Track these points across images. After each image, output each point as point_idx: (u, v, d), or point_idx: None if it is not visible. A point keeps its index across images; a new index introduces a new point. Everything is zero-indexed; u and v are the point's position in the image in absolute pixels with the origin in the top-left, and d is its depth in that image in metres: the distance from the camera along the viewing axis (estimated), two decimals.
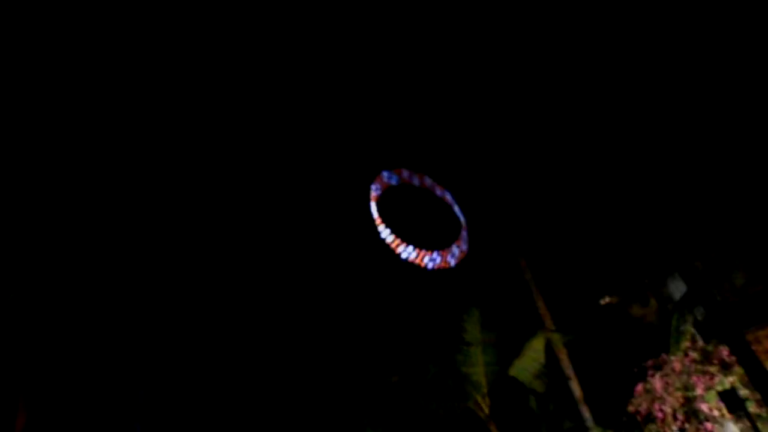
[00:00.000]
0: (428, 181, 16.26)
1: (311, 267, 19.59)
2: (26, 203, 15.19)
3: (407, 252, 15.50)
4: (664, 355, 12.62)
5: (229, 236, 18.95)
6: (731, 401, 11.41)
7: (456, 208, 15.93)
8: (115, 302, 17.63)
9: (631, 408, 12.69)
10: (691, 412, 11.66)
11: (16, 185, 14.90)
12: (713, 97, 12.69)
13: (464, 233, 15.78)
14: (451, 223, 16.70)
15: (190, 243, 18.73)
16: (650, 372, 12.54)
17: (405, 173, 16.56)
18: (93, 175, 15.88)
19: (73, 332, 16.83)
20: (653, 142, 13.58)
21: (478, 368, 16.10)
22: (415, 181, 16.32)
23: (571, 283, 15.67)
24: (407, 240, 15.93)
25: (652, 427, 12.23)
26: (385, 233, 15.53)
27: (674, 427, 11.89)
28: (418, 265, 15.82)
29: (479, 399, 16.01)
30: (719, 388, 11.50)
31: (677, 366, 12.14)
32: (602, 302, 14.79)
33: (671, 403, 11.89)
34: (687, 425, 11.69)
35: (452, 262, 15.56)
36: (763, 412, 10.76)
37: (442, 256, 15.74)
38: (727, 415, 11.41)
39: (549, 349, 14.78)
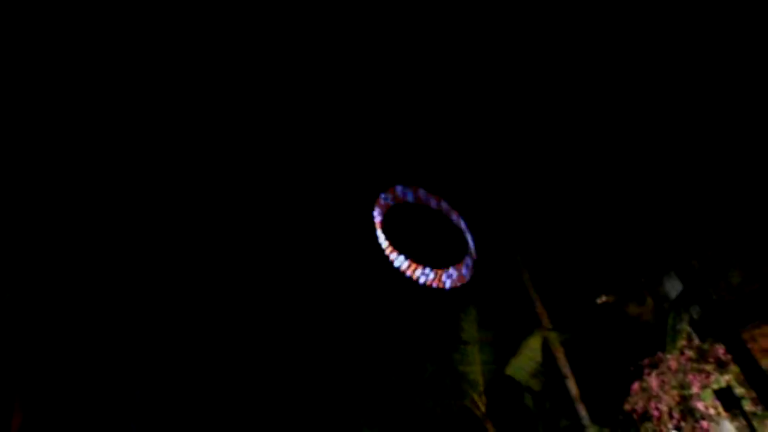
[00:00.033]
0: (444, 205, 16.12)
1: (308, 267, 19.57)
2: (22, 202, 15.13)
3: (399, 261, 15.45)
4: (660, 354, 12.64)
5: (226, 234, 18.91)
6: (727, 399, 11.44)
7: (468, 236, 15.75)
8: (111, 303, 17.57)
9: (627, 406, 12.72)
10: (687, 410, 11.70)
11: (15, 185, 14.86)
12: (709, 99, 12.71)
13: (468, 260, 15.64)
14: (458, 248, 16.57)
15: (188, 245, 18.69)
16: (646, 370, 12.57)
17: (421, 192, 16.45)
18: (90, 175, 15.83)
19: (69, 332, 16.77)
20: (650, 142, 13.60)
21: (475, 367, 16.14)
22: (432, 203, 16.17)
23: (568, 282, 15.69)
24: (402, 250, 15.85)
25: (649, 425, 12.26)
26: (381, 238, 15.49)
27: (670, 426, 11.93)
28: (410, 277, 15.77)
29: (476, 397, 16.06)
30: (715, 386, 11.54)
31: (673, 364, 12.17)
32: (599, 301, 14.81)
33: (667, 401, 11.92)
34: (683, 423, 11.73)
35: (447, 283, 15.46)
36: (758, 410, 10.80)
37: (436, 274, 15.66)
38: (723, 414, 11.45)
39: (546, 347, 14.81)
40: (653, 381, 12.27)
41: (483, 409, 15.94)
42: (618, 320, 14.35)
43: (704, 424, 11.40)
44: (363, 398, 18.24)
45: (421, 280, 15.44)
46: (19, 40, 13.11)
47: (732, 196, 12.24)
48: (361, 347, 18.90)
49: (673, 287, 13.12)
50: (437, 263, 16.18)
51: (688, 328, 12.60)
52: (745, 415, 11.20)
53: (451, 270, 15.55)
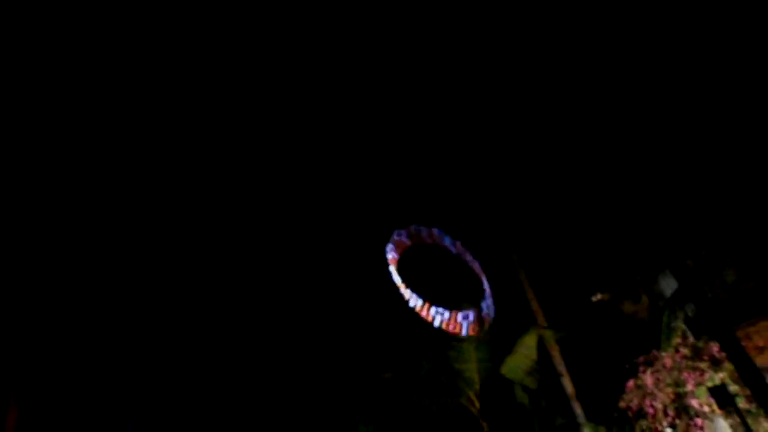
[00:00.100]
0: (460, 247, 15.99)
1: (305, 266, 19.55)
2: (18, 200, 15.09)
3: (413, 300, 15.30)
4: (655, 352, 12.68)
5: (220, 229, 18.87)
6: (721, 397, 11.49)
7: (484, 279, 15.58)
8: (108, 301, 17.53)
9: (622, 404, 12.74)
10: (681, 407, 11.73)
11: (12, 184, 14.82)
12: (703, 97, 12.74)
13: (485, 305, 15.44)
14: (473, 290, 16.39)
15: (185, 245, 18.66)
16: (641, 368, 12.60)
17: (436, 231, 16.33)
18: (88, 175, 15.78)
19: (66, 330, 16.73)
20: (645, 141, 13.63)
21: (470, 365, 16.16)
22: (451, 248, 16.00)
23: (563, 280, 15.71)
24: (415, 289, 15.68)
25: (643, 422, 12.30)
26: (394, 275, 15.35)
27: (665, 423, 11.96)
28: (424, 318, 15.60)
29: (471, 395, 16.07)
30: (709, 384, 11.58)
31: (668, 362, 12.21)
32: (594, 299, 14.83)
33: (662, 398, 11.96)
34: (677, 421, 11.77)
35: (464, 326, 15.26)
36: (752, 407, 10.85)
37: (451, 315, 15.45)
38: (718, 411, 11.50)
39: (541, 345, 14.83)
40: (648, 379, 12.30)
41: (478, 406, 15.96)
42: (613, 318, 14.37)
43: (699, 421, 11.44)
44: (358, 395, 18.24)
45: (436, 323, 15.25)
46: (19, 40, 13.07)
47: (727, 195, 12.28)
48: (357, 345, 18.90)
49: (668, 285, 13.15)
50: (451, 304, 15.96)
51: (683, 326, 12.64)
52: (740, 413, 11.25)
53: (469, 313, 15.36)
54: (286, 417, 19.10)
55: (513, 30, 14.55)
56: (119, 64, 14.57)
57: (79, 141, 15.43)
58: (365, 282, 18.75)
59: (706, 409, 11.45)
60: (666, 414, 11.89)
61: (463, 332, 14.99)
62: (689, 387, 11.62)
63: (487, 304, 15.21)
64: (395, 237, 16.27)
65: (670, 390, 11.93)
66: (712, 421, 11.53)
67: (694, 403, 11.51)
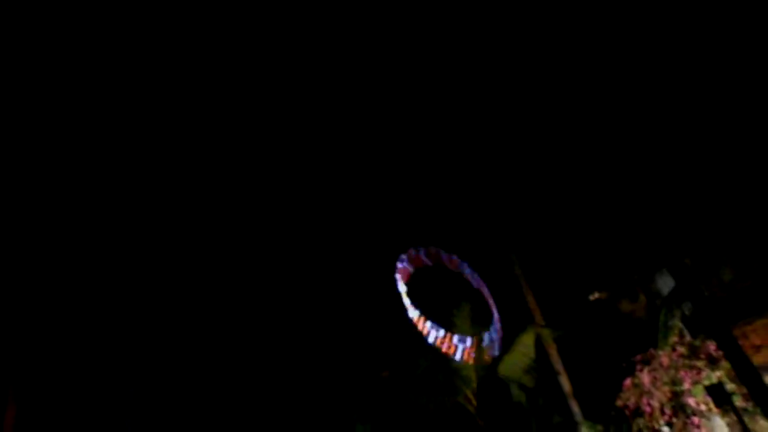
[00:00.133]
0: (478, 279, 15.88)
1: (301, 264, 19.54)
2: (14, 200, 15.05)
3: (412, 311, 15.24)
4: (652, 350, 12.70)
5: (218, 226, 18.85)
6: (718, 395, 11.52)
7: (495, 312, 15.49)
8: (106, 299, 17.50)
9: (619, 402, 12.76)
10: (678, 406, 11.76)
11: (12, 184, 14.79)
12: (700, 98, 12.76)
13: (486, 338, 15.31)
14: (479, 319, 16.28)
15: (184, 244, 18.64)
16: (638, 367, 12.62)
17: (457, 259, 16.25)
18: (78, 172, 15.74)
19: (64, 327, 16.70)
20: (643, 141, 13.65)
21: (467, 363, 16.17)
22: (470, 277, 15.90)
23: (561, 279, 15.74)
24: (419, 306, 15.61)
25: (641, 421, 12.32)
26: (401, 286, 15.27)
27: (662, 421, 11.99)
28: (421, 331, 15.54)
29: (469, 393, 16.08)
30: (706, 382, 11.61)
31: (665, 361, 12.23)
32: (591, 298, 14.85)
33: (659, 397, 11.98)
34: (674, 419, 11.79)
35: (459, 348, 15.17)
36: (749, 406, 10.88)
37: (446, 336, 15.37)
38: (714, 409, 11.52)
39: (539, 344, 14.85)
40: (645, 377, 12.32)
41: (476, 404, 15.97)
42: (611, 317, 14.40)
43: (695, 420, 11.47)
44: (356, 394, 18.24)
45: (430, 339, 15.21)
46: (19, 40, 13.04)
47: (724, 195, 12.30)
48: (355, 343, 18.90)
49: (666, 284, 13.18)
50: (449, 325, 15.87)
51: (680, 325, 12.66)
52: (736, 411, 11.28)
53: (467, 338, 15.29)
54: (284, 415, 19.09)
55: (508, 31, 14.56)
56: (119, 64, 14.54)
57: (79, 141, 15.41)
58: (367, 284, 18.76)
59: (702, 407, 11.48)
60: (663, 412, 11.92)
61: (457, 356, 14.93)
62: (686, 385, 11.65)
63: (491, 337, 15.15)
64: (412, 252, 16.21)
65: (667, 388, 11.95)
66: (708, 419, 11.56)
67: (691, 401, 11.54)
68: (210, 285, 19.20)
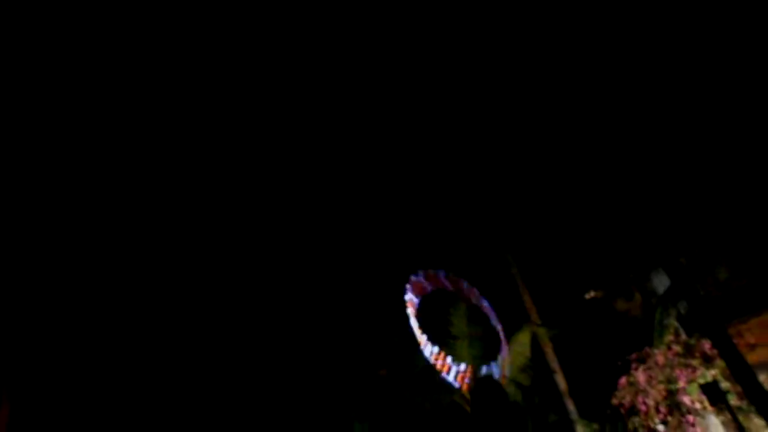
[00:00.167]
0: (496, 319, 15.76)
1: (298, 262, 19.53)
2: (12, 198, 15.02)
3: (428, 349, 15.09)
4: (647, 349, 12.75)
5: (213, 225, 18.82)
6: (713, 394, 11.58)
7: (503, 348, 15.33)
8: (101, 296, 17.45)
9: (615, 401, 12.82)
10: (673, 404, 11.82)
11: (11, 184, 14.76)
12: (694, 95, 12.78)
13: (484, 369, 15.16)
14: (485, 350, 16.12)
15: (182, 244, 18.62)
16: (634, 365, 12.67)
17: (478, 294, 16.11)
18: (74, 172, 15.69)
19: (59, 325, 16.66)
20: (638, 138, 13.66)
21: (464, 362, 16.17)
22: (489, 314, 15.75)
23: (557, 278, 15.77)
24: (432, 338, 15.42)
25: (636, 419, 12.37)
26: (413, 320, 15.14)
27: (657, 420, 12.05)
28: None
29: (465, 392, 16.09)
30: (701, 380, 11.67)
31: (660, 359, 12.29)
32: (587, 296, 14.90)
33: (654, 395, 12.04)
34: (669, 417, 11.85)
35: (453, 369, 15.00)
36: (743, 404, 10.93)
37: (441, 356, 15.21)
38: (709, 408, 11.58)
39: (535, 343, 14.89)
40: (640, 376, 12.38)
41: (470, 402, 15.99)
42: (606, 315, 14.44)
43: (690, 418, 11.52)
44: (353, 393, 18.26)
45: (426, 351, 15.07)
46: (19, 40, 12.99)
47: (720, 194, 12.34)
48: (352, 341, 18.91)
49: (661, 283, 13.22)
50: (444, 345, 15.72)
51: (676, 324, 12.71)
52: (731, 410, 11.34)
53: (462, 363, 15.14)
54: (281, 414, 19.10)
55: (500, 26, 14.53)
56: (119, 64, 14.49)
57: (79, 141, 15.36)
58: (364, 282, 18.76)
59: (697, 405, 11.54)
60: (658, 411, 11.97)
61: (450, 377, 14.83)
62: (681, 384, 11.71)
63: (490, 369, 15.07)
64: (431, 272, 16.07)
65: (662, 387, 12.01)
66: (703, 417, 11.63)
67: (686, 400, 11.59)
68: (205, 283, 19.17)
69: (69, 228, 16.31)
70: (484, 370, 15.03)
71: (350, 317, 19.23)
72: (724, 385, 11.40)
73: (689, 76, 12.84)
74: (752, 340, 11.32)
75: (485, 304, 15.56)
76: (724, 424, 11.51)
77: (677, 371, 11.84)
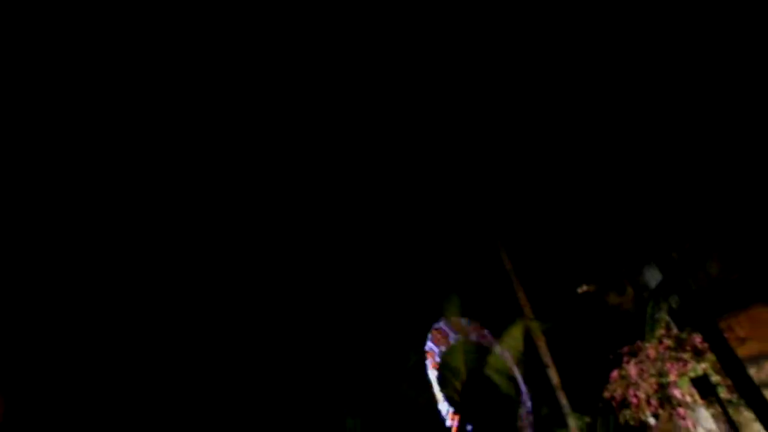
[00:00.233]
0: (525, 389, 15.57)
1: (292, 257, 19.48)
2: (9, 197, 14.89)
3: (443, 407, 14.94)
4: (639, 343, 12.83)
5: (208, 221, 18.72)
6: (703, 387, 11.67)
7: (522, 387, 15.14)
8: (96, 294, 17.35)
9: (606, 394, 12.91)
10: (664, 397, 11.91)
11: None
12: (686, 90, 12.79)
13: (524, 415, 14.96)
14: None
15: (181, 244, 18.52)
16: (625, 359, 12.76)
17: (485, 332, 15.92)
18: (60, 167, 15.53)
19: (53, 322, 16.55)
20: (630, 134, 13.68)
21: (457, 356, 16.25)
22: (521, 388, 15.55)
23: (550, 272, 15.82)
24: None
25: (627, 412, 12.47)
26: (431, 374, 14.98)
27: (648, 413, 12.14)
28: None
29: (458, 386, 16.17)
30: (692, 374, 11.75)
31: (652, 353, 12.37)
32: (580, 291, 14.95)
33: (645, 389, 12.12)
34: (660, 411, 11.95)
35: (446, 406, 14.86)
36: (733, 397, 11.03)
37: (457, 416, 15.08)
38: (699, 401, 11.68)
39: (528, 337, 14.95)
40: (632, 369, 12.46)
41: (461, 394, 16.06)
42: (599, 309, 14.51)
43: (681, 411, 11.62)
44: (346, 388, 18.29)
45: (431, 375, 14.97)
46: (19, 40, 12.82)
47: (712, 189, 12.39)
48: (345, 337, 18.91)
49: (653, 277, 13.29)
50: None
51: (667, 318, 12.79)
52: (721, 403, 11.44)
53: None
54: (275, 409, 19.10)
55: (496, 25, 14.48)
56: (119, 64, 14.34)
57: (79, 141, 15.22)
58: (359, 279, 18.73)
59: (688, 399, 11.63)
60: (649, 404, 12.06)
61: (443, 410, 14.75)
62: (672, 377, 11.79)
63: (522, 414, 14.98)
64: (462, 322, 15.88)
65: (653, 380, 12.09)
66: (694, 411, 11.73)
67: (677, 393, 11.68)
68: (201, 280, 19.08)
69: (65, 225, 16.18)
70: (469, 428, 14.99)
71: (344, 314, 19.23)
72: (715, 378, 11.49)
73: (679, 72, 12.84)
74: (742, 334, 11.40)
75: (506, 355, 15.44)
76: (714, 417, 11.62)
77: (668, 365, 11.92)
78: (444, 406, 14.84)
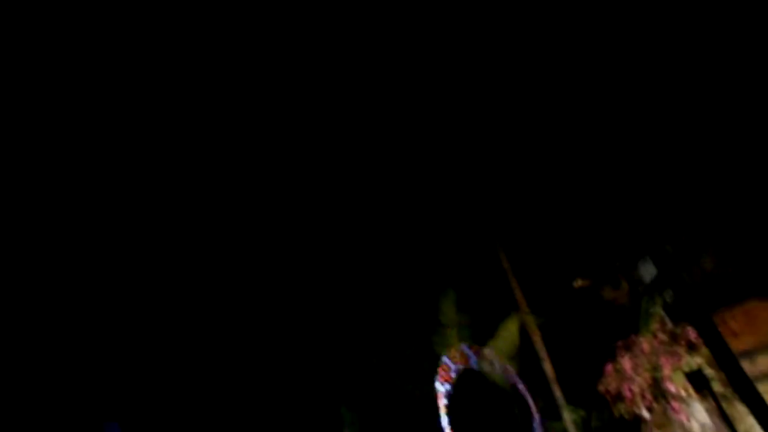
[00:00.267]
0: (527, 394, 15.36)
1: (286, 250, 19.46)
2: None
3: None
4: (633, 336, 12.89)
5: (204, 216, 18.67)
6: (697, 381, 11.75)
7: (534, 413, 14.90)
8: (91, 291, 17.30)
9: (601, 388, 12.98)
10: (658, 391, 11.98)
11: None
12: (680, 85, 12.78)
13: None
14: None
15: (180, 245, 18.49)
16: (620, 353, 12.83)
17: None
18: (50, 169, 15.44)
19: (48, 319, 16.50)
20: (624, 128, 13.68)
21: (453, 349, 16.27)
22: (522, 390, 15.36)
23: (545, 267, 15.85)
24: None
25: (621, 406, 12.55)
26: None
27: (642, 406, 12.22)
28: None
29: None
30: (686, 368, 11.83)
31: (646, 347, 12.44)
32: (575, 285, 15.00)
33: (640, 383, 12.20)
34: (655, 404, 12.03)
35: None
36: (727, 391, 11.11)
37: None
38: (694, 395, 11.76)
39: (523, 330, 15.01)
40: (626, 363, 12.54)
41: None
42: (594, 304, 14.56)
43: (675, 405, 11.70)
44: (342, 381, 18.33)
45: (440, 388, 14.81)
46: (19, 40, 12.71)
47: (706, 183, 12.41)
48: (341, 330, 18.93)
49: (648, 272, 13.34)
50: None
51: (662, 312, 12.85)
52: (715, 397, 11.52)
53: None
54: (270, 401, 19.13)
55: (486, 23, 14.42)
56: (119, 64, 14.24)
57: (79, 141, 15.12)
58: (354, 272, 18.72)
59: (682, 393, 11.71)
60: (643, 398, 12.14)
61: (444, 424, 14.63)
62: (666, 371, 11.86)
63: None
64: (454, 351, 15.59)
65: (647, 374, 12.17)
66: (688, 404, 11.80)
67: (671, 387, 11.76)
68: (196, 278, 19.04)
69: (65, 224, 16.12)
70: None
71: (339, 304, 19.23)
72: (709, 372, 11.56)
73: (667, 65, 12.83)
74: (736, 328, 11.45)
75: (519, 384, 15.33)
76: (708, 410, 11.70)
77: (662, 359, 11.99)
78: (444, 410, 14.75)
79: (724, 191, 12.22)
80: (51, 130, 14.52)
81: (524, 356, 15.19)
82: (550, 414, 14.34)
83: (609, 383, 12.84)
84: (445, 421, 14.11)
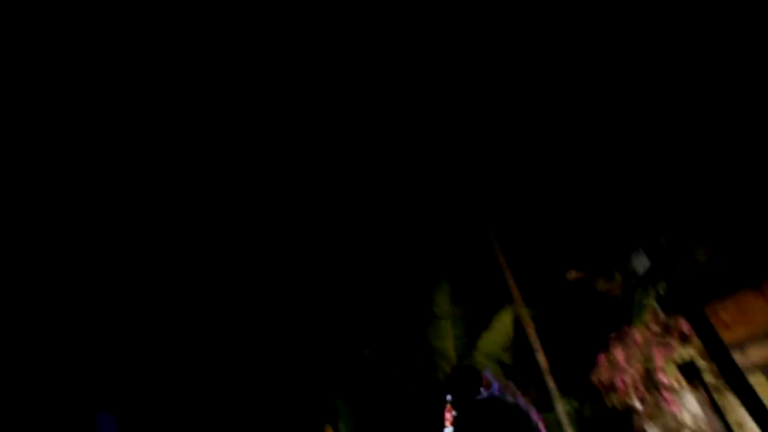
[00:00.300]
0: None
1: (279, 243, 19.43)
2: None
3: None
4: (626, 328, 12.98)
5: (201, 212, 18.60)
6: (689, 372, 11.85)
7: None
8: (87, 289, 17.21)
9: (594, 379, 13.08)
10: (650, 382, 12.09)
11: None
12: (674, 80, 12.79)
13: None
14: None
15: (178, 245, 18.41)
16: (613, 344, 12.91)
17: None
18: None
19: (44, 317, 16.42)
20: (619, 120, 13.68)
21: (447, 341, 16.36)
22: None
23: (539, 258, 15.90)
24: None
25: (614, 397, 12.67)
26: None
27: (634, 397, 12.33)
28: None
29: (448, 370, 16.30)
30: (678, 360, 11.93)
31: (639, 338, 12.53)
32: (569, 277, 15.06)
33: (632, 374, 12.31)
34: (647, 395, 12.13)
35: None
36: (718, 382, 11.21)
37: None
38: (685, 386, 11.87)
39: (517, 322, 15.06)
40: (619, 354, 12.63)
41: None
42: (587, 296, 14.63)
43: (667, 395, 11.81)
44: (336, 373, 18.37)
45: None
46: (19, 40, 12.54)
47: (699, 176, 12.45)
48: (335, 322, 18.96)
49: (641, 264, 13.40)
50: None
51: (654, 304, 12.93)
52: (706, 388, 11.63)
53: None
54: (263, 392, 19.16)
55: (484, 22, 14.35)
56: (119, 63, 14.09)
57: (79, 141, 14.99)
58: (347, 264, 18.72)
59: (674, 384, 11.82)
60: (636, 388, 12.25)
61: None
62: (658, 362, 11.96)
63: None
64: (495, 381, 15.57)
65: (640, 365, 12.28)
66: (679, 395, 11.91)
67: (663, 378, 11.86)
68: (191, 271, 18.99)
69: (65, 225, 16.00)
70: None
71: (334, 296, 19.25)
72: (701, 363, 11.66)
73: (661, 62, 12.83)
74: (728, 320, 11.55)
75: (534, 414, 15.36)
76: (699, 401, 11.81)
77: (655, 350, 12.08)
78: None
79: (717, 184, 12.27)
80: (51, 130, 14.41)
81: (518, 348, 15.27)
82: (544, 404, 14.43)
83: (602, 374, 12.95)
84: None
